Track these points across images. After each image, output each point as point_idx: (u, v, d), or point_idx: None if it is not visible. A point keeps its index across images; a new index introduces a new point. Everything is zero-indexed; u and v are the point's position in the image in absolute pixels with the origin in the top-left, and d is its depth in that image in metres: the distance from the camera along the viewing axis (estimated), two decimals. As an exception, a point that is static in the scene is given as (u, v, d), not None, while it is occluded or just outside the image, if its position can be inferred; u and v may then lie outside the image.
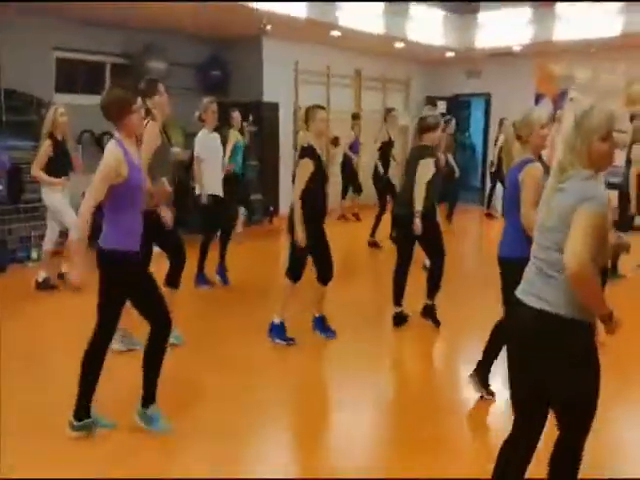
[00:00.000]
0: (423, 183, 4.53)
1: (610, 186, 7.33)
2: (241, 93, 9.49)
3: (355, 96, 11.23)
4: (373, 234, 8.02)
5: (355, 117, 9.89)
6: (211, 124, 5.65)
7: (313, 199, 4.18)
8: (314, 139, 4.26)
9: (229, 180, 6.15)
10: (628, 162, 6.40)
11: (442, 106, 11.77)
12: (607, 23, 8.78)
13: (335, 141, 10.46)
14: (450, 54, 11.17)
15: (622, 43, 9.16)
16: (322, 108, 4.39)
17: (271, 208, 9.58)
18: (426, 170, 4.53)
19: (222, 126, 7.81)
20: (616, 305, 2.09)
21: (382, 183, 8.01)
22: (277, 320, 4.42)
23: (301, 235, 4.15)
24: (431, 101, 12.16)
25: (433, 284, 4.83)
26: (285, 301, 4.40)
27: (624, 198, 6.38)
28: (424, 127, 4.72)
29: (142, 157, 3.47)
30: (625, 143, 7.17)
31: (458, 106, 12.75)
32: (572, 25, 9.18)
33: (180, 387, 3.67)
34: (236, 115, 7.75)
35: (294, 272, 4.32)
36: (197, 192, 5.74)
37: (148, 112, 3.94)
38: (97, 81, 8.54)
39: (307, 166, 4.14)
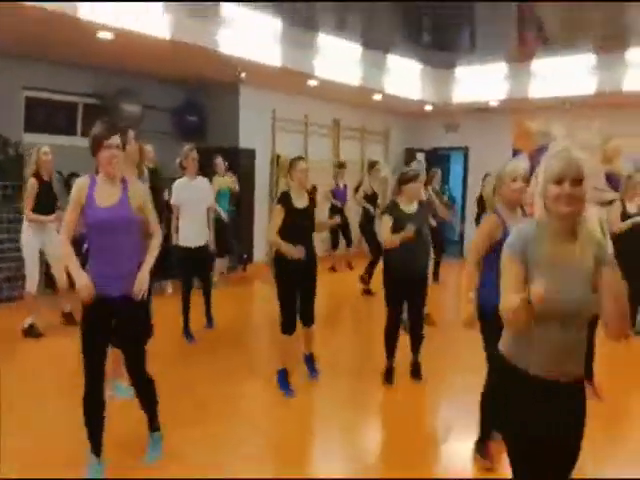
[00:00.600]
0: (385, 235, 4.51)
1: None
2: (218, 139, 9.40)
3: (334, 146, 11.21)
4: (368, 282, 7.91)
5: (341, 166, 9.85)
6: (192, 171, 5.51)
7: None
8: (296, 188, 4.32)
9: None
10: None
11: (421, 158, 11.79)
12: (582, 81, 8.90)
13: (313, 191, 10.36)
14: (428, 107, 11.26)
15: (597, 101, 9.28)
16: (302, 159, 4.47)
17: (245, 255, 9.34)
18: (384, 224, 4.54)
19: (204, 172, 7.73)
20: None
21: (370, 233, 8.02)
22: (280, 368, 4.48)
23: (292, 250, 4.15)
24: (410, 153, 12.21)
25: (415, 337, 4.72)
26: (281, 353, 4.47)
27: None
28: (403, 179, 4.69)
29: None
30: (604, 200, 7.13)
31: (437, 159, 12.78)
32: (547, 82, 9.30)
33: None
34: (219, 161, 7.72)
35: (284, 323, 4.34)
36: (173, 241, 5.56)
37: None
38: (69, 122, 8.37)
39: (277, 211, 4.28)
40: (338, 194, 9.47)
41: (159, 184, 6.40)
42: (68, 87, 8.11)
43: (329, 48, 8.50)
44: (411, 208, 4.59)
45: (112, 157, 2.93)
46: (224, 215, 7.60)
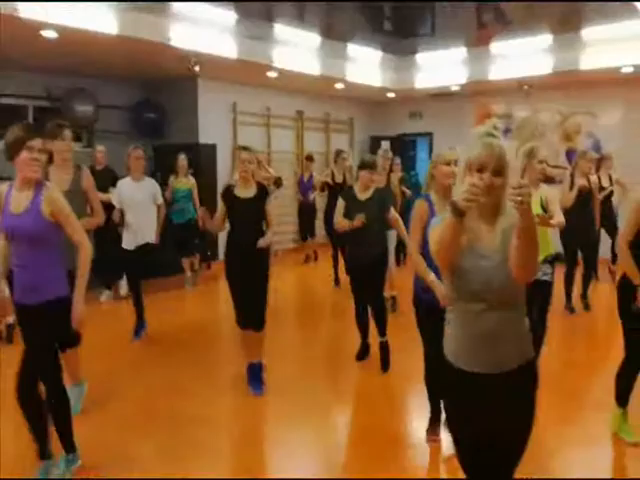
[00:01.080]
0: (336, 217, 4.64)
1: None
2: (176, 135, 9.22)
3: (297, 137, 11.10)
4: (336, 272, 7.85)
5: (309, 159, 9.47)
6: (136, 171, 5.35)
7: (230, 238, 4.22)
8: (238, 180, 4.23)
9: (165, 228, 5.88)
10: None
11: (386, 146, 11.74)
12: (540, 62, 8.93)
13: (277, 182, 10.24)
14: (391, 95, 11.21)
15: (555, 81, 9.35)
16: (245, 149, 4.25)
17: (209, 253, 9.18)
18: (337, 208, 4.65)
19: (161, 170, 7.57)
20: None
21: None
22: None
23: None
24: (376, 141, 12.16)
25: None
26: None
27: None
28: (358, 166, 4.73)
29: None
30: (562, 178, 7.19)
31: (403, 146, 12.76)
32: (506, 64, 9.31)
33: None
34: (182, 161, 7.50)
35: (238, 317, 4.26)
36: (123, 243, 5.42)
37: (51, 156, 3.67)
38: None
39: (219, 206, 4.23)
40: (303, 186, 9.36)
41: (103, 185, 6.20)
42: (17, 90, 7.84)
43: (287, 39, 8.35)
44: (365, 195, 4.58)
45: (32, 160, 2.75)
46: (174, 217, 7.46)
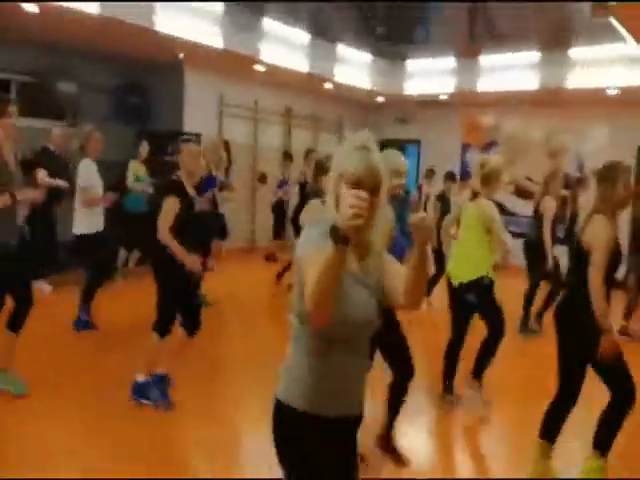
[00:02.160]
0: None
1: (515, 235, 7.30)
2: (161, 122, 9.16)
3: (285, 134, 11.07)
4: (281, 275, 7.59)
5: (287, 157, 9.32)
6: (93, 154, 5.26)
7: (182, 240, 3.73)
8: (185, 176, 3.85)
9: (117, 216, 5.75)
10: (536, 213, 6.33)
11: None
12: (526, 77, 8.97)
13: (262, 178, 10.20)
14: (380, 99, 11.21)
15: (540, 97, 9.39)
16: (193, 142, 4.01)
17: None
18: (308, 209, 4.16)
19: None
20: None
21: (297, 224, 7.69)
22: (141, 378, 3.88)
23: (189, 259, 3.72)
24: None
25: None
26: (152, 359, 3.85)
27: (532, 249, 6.29)
28: (320, 168, 4.45)
29: None
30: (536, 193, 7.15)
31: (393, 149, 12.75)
32: (495, 77, 9.35)
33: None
34: (143, 147, 7.35)
35: (162, 325, 3.81)
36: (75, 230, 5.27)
37: None
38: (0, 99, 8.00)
39: (171, 205, 3.71)
40: (283, 186, 9.20)
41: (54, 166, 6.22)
42: (1, 64, 7.76)
43: (275, 33, 8.34)
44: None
45: None
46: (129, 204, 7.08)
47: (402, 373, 3.29)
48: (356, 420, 1.84)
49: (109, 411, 3.78)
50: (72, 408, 3.82)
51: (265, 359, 4.70)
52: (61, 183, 6.16)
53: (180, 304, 3.87)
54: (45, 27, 6.69)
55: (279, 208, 9.13)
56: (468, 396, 4.28)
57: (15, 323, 3.80)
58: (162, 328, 3.80)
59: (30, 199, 3.78)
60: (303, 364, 1.74)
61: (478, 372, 4.27)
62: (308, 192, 4.67)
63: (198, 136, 9.30)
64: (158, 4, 6.71)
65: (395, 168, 3.16)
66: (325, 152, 8.80)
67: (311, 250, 1.64)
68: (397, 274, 1.76)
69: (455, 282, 4.17)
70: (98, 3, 6.08)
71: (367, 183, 1.62)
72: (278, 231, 9.36)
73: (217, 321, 5.98)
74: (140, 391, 3.88)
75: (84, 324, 5.36)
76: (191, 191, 3.84)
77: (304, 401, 1.73)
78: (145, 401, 3.86)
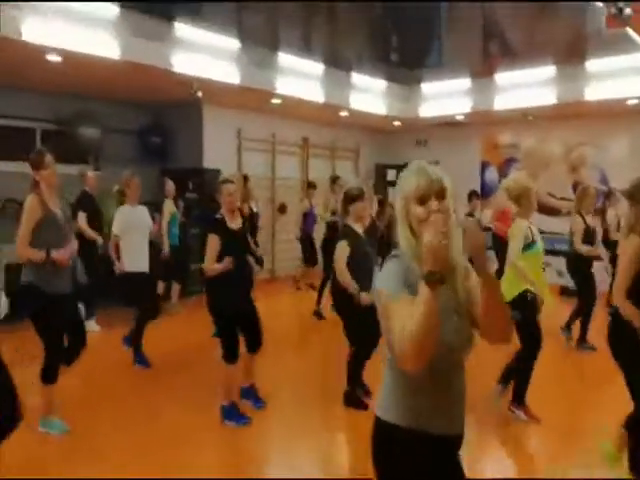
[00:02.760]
0: (340, 266, 4.29)
1: (556, 253, 7.14)
2: (181, 160, 9.29)
3: (303, 164, 11.14)
4: (318, 304, 7.61)
5: (310, 186, 9.23)
6: (133, 199, 5.38)
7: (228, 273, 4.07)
8: (226, 212, 4.21)
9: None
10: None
11: (392, 174, 11.74)
12: (544, 92, 8.93)
13: (282, 209, 10.25)
14: (397, 123, 11.25)
15: (559, 112, 9.33)
16: (231, 182, 4.31)
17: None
18: (340, 252, 4.31)
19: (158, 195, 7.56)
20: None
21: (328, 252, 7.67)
22: (225, 402, 4.19)
23: (218, 267, 4.04)
24: (381, 169, 12.17)
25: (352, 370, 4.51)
26: (229, 385, 4.19)
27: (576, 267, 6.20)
28: (348, 198, 4.50)
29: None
30: (569, 210, 7.02)
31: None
32: (510, 95, 9.33)
33: None
34: (169, 185, 7.47)
35: (229, 352, 4.13)
36: (116, 270, 5.37)
37: (36, 184, 3.81)
38: (27, 147, 8.17)
39: (214, 242, 4.08)
40: (309, 217, 8.94)
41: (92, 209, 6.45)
42: (25, 112, 7.97)
43: (291, 66, 8.44)
44: (361, 229, 4.48)
45: None
46: (166, 248, 7.26)
47: None
48: (459, 439, 1.80)
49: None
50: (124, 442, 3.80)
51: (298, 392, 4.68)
52: (98, 238, 6.43)
53: (237, 326, 4.18)
54: (67, 74, 6.85)
55: (307, 239, 9.05)
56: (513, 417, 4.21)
57: (68, 360, 4.00)
58: (229, 355, 4.10)
59: (59, 260, 3.76)
60: (404, 384, 1.71)
61: (519, 397, 4.19)
62: (338, 227, 4.74)
63: (218, 171, 9.43)
64: (175, 46, 6.85)
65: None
66: (348, 180, 8.87)
67: (394, 286, 1.64)
68: (477, 300, 1.70)
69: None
70: (118, 49, 6.22)
71: (431, 191, 1.66)
72: (308, 258, 9.21)
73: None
74: (226, 414, 4.15)
75: (139, 361, 5.42)
76: (234, 225, 4.20)
77: (410, 417, 1.70)
78: (229, 422, 4.12)
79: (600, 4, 5.20)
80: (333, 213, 7.99)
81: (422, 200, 1.67)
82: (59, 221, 3.84)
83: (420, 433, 1.69)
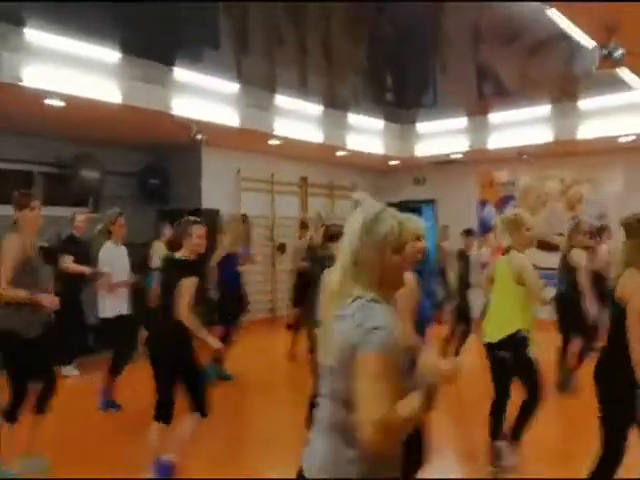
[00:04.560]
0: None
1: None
2: (181, 201, 9.33)
3: (302, 203, 11.19)
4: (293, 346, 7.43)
5: (304, 225, 9.10)
6: (118, 237, 5.31)
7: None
8: (190, 256, 3.81)
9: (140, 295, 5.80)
10: (564, 266, 6.13)
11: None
12: (538, 131, 9.05)
13: (281, 248, 10.23)
14: (394, 162, 11.36)
15: (554, 149, 9.44)
16: (200, 223, 3.87)
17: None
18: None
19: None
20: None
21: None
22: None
23: (211, 338, 3.80)
24: (379, 207, 12.19)
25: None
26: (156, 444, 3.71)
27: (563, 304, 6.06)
28: (328, 236, 4.40)
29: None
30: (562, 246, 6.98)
31: (409, 212, 12.76)
32: (505, 134, 9.46)
33: None
34: (166, 228, 7.41)
35: (166, 410, 3.68)
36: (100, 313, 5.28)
37: (16, 224, 3.79)
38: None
39: (192, 284, 3.68)
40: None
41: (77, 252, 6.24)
42: (24, 156, 8.04)
43: (289, 108, 8.57)
44: None
45: None
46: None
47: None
48: None
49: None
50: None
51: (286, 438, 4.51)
52: (86, 270, 6.05)
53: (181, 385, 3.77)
54: (67, 118, 6.93)
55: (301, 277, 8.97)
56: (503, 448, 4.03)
57: (40, 407, 3.84)
58: (165, 413, 3.69)
59: (43, 304, 3.68)
60: (347, 456, 1.56)
61: (517, 433, 4.04)
62: (318, 259, 4.58)
63: (216, 212, 9.46)
64: (175, 90, 6.97)
65: (415, 233, 3.07)
66: (336, 219, 8.85)
67: (379, 353, 1.50)
68: None
69: (489, 340, 4.03)
70: (119, 93, 6.32)
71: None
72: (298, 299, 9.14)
73: (237, 396, 5.97)
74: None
75: (108, 404, 5.27)
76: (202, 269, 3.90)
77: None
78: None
79: (591, 46, 5.32)
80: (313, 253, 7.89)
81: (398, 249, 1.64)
82: (36, 265, 3.79)
83: None
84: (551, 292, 4.33)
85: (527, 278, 3.89)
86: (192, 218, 3.91)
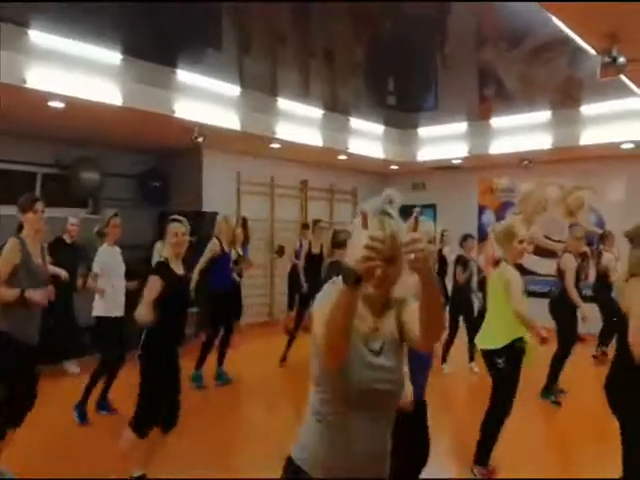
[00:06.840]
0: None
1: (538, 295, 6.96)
2: (181, 203, 9.31)
3: (302, 206, 11.18)
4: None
5: (304, 227, 9.28)
6: (111, 239, 5.24)
7: (164, 324, 3.55)
8: (170, 256, 3.71)
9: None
10: (559, 272, 6.10)
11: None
12: (540, 137, 9.05)
13: (280, 251, 10.21)
14: (394, 167, 11.35)
15: (555, 156, 9.43)
16: (179, 221, 3.77)
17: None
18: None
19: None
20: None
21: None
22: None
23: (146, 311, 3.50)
24: (379, 212, 12.19)
25: None
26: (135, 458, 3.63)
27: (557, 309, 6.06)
28: (335, 243, 4.34)
29: None
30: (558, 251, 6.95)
31: (408, 218, 12.75)
32: (507, 139, 9.45)
33: None
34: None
35: (142, 422, 3.57)
36: (95, 312, 5.20)
37: (21, 227, 3.77)
38: (27, 192, 8.19)
39: (155, 284, 3.55)
40: (299, 255, 9.09)
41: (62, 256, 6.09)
42: (26, 157, 8.02)
43: (290, 112, 8.57)
44: None
45: None
46: None
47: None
48: None
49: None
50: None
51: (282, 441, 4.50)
52: (62, 273, 5.68)
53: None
54: (69, 120, 6.91)
55: (294, 278, 9.00)
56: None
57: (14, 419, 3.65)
58: (142, 425, 3.58)
59: (35, 300, 3.59)
60: (317, 430, 1.70)
61: (481, 458, 3.94)
62: (324, 270, 4.47)
63: (216, 214, 9.44)
64: (177, 92, 6.95)
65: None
66: (335, 222, 8.84)
67: (325, 303, 1.59)
68: (414, 316, 1.64)
69: (482, 347, 4.05)
70: (120, 95, 6.30)
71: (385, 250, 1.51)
72: (292, 303, 9.18)
73: (234, 400, 5.97)
74: None
75: (82, 415, 5.08)
76: (178, 271, 3.70)
77: (319, 470, 1.68)
78: None
79: (594, 52, 5.31)
80: (310, 257, 7.92)
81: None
82: (36, 268, 3.73)
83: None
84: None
85: (511, 293, 3.89)
86: (172, 217, 3.82)
